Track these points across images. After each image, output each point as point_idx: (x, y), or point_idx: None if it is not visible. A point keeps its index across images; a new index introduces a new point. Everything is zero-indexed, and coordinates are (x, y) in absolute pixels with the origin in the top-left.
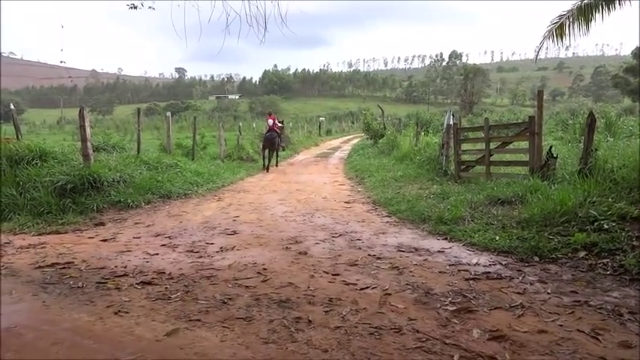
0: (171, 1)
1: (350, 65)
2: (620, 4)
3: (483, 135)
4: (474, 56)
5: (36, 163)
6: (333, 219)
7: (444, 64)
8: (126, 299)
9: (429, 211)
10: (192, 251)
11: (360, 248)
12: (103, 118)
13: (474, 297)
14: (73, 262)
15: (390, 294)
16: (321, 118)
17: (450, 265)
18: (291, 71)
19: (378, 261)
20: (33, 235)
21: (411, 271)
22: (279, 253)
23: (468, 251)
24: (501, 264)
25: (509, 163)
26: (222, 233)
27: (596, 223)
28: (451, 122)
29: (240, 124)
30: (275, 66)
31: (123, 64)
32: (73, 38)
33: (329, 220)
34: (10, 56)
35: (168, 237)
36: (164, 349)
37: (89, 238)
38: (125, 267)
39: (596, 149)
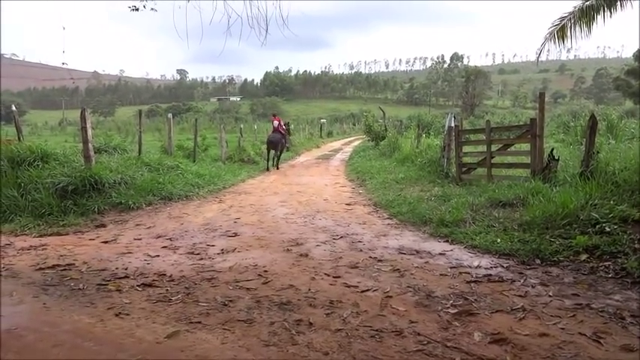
0: (172, 3)
1: (351, 67)
2: (621, 5)
3: (485, 137)
4: (476, 58)
5: (37, 165)
6: (334, 221)
7: (446, 66)
8: (127, 301)
9: (430, 213)
10: (193, 253)
11: (361, 250)
12: (105, 120)
13: (476, 300)
14: (73, 264)
15: (391, 296)
16: (322, 120)
17: (451, 268)
18: (293, 73)
19: (379, 263)
20: (34, 237)
21: (412, 274)
22: (280, 255)
23: (470, 254)
24: (503, 267)
25: (511, 165)
26: (223, 235)
27: (597, 226)
28: (452, 124)
29: (242, 125)
30: (276, 68)
31: (124, 66)
32: (74, 39)
33: (330, 222)
34: (13, 57)
35: (169, 239)
36: (165, 351)
37: (90, 239)
38: (126, 269)
39: (598, 152)
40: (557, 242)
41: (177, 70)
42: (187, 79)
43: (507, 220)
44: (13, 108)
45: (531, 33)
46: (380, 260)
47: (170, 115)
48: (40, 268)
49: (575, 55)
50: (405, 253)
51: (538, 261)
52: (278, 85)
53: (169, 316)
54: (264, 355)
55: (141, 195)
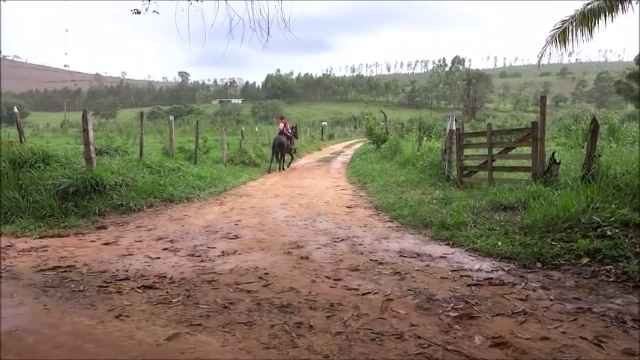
0: (175, 5)
1: (353, 70)
2: (623, 9)
3: (486, 140)
4: (477, 61)
5: (39, 166)
6: (335, 223)
7: (447, 69)
8: (127, 303)
9: (431, 216)
10: (193, 255)
11: (361, 253)
12: (107, 122)
13: (476, 303)
14: (74, 266)
15: (391, 299)
16: (323, 123)
17: (452, 271)
18: (294, 76)
19: (380, 266)
20: (35, 238)
21: (413, 277)
22: (280, 258)
23: (471, 257)
24: (504, 270)
25: (512, 168)
26: (224, 237)
27: (599, 230)
28: (454, 127)
29: (243, 128)
30: (278, 70)
31: (126, 68)
32: (77, 41)
33: (331, 225)
34: (15, 59)
35: (170, 241)
36: (165, 353)
37: (91, 241)
38: (127, 271)
39: (599, 155)
40: (559, 246)
41: (179, 72)
42: (189, 82)
43: (508, 223)
44: (15, 110)
45: (533, 36)
46: (381, 263)
47: (171, 118)
48: (41, 270)
49: (576, 59)
50: (405, 256)
51: (539, 264)
52: (279, 88)
53: (170, 318)
54: (264, 357)
55: (142, 197)
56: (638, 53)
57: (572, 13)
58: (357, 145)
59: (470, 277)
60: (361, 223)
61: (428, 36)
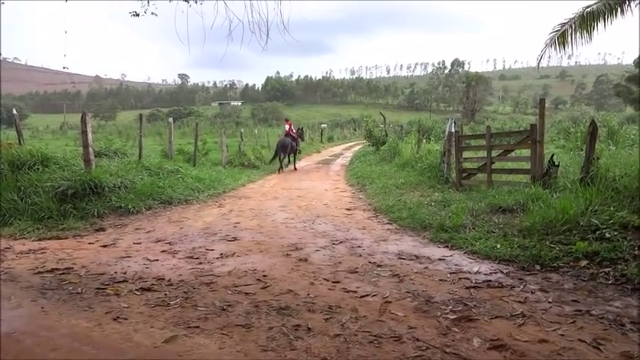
0: (175, 7)
1: (352, 72)
2: (622, 12)
3: (485, 143)
4: (476, 64)
5: (37, 168)
6: (334, 226)
7: (447, 71)
8: (125, 305)
9: (430, 218)
10: (192, 257)
11: (360, 255)
12: (106, 124)
13: (475, 305)
14: (72, 268)
15: (390, 302)
16: (323, 125)
17: (450, 273)
18: (294, 78)
19: (379, 268)
20: (33, 241)
21: (411, 279)
22: (279, 260)
23: (469, 259)
24: (502, 272)
25: (511, 171)
26: (223, 239)
27: (597, 232)
28: (452, 130)
29: (242, 130)
30: (277, 72)
31: (126, 70)
32: (77, 43)
33: (330, 227)
34: (15, 61)
35: (169, 243)
36: (162, 355)
37: (89, 243)
38: (125, 273)
39: (598, 158)
40: (557, 248)
41: (179, 74)
42: (189, 84)
43: (507, 225)
44: (14, 112)
45: (532, 39)
46: (379, 265)
47: (171, 120)
48: (39, 272)
49: (575, 62)
50: (404, 259)
51: (538, 267)
52: (279, 90)
53: (167, 321)
54: None
55: (141, 199)
56: (637, 56)
57: (571, 16)
58: (357, 148)
59: (468, 279)
60: (360, 226)
61: (427, 38)
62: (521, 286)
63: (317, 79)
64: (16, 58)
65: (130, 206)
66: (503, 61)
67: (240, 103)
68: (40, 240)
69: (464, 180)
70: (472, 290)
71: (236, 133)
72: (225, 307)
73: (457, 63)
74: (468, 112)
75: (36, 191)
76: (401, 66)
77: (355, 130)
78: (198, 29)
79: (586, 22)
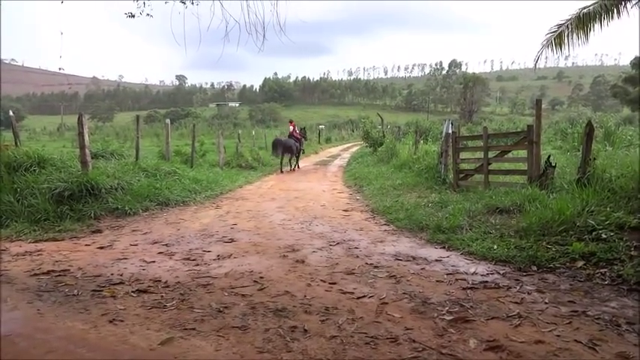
0: (171, 8)
1: (350, 73)
2: (618, 13)
3: (482, 144)
4: (474, 65)
5: (34, 170)
6: (331, 227)
7: (444, 72)
8: (121, 307)
9: (427, 219)
10: (189, 259)
11: (357, 257)
12: (104, 125)
13: (471, 306)
14: (68, 270)
15: (386, 303)
16: (320, 126)
17: (447, 274)
18: (292, 79)
19: (376, 270)
20: (29, 242)
21: (408, 280)
22: (276, 262)
23: (466, 260)
24: (499, 273)
25: (508, 171)
26: (220, 241)
27: (594, 233)
28: (450, 131)
29: (240, 131)
30: (275, 74)
31: (124, 71)
32: (74, 44)
33: (327, 228)
34: (12, 63)
35: (166, 245)
36: (158, 358)
37: (86, 245)
38: (121, 275)
39: (595, 158)
40: (554, 249)
41: (176, 75)
42: (186, 85)
43: (504, 226)
44: (11, 113)
45: (529, 40)
46: (376, 266)
47: (168, 121)
48: (35, 274)
49: (572, 63)
50: (401, 260)
51: (534, 268)
52: (277, 91)
53: (164, 323)
54: None
55: (137, 200)
56: (633, 57)
57: (568, 17)
58: (354, 149)
59: (465, 280)
60: (357, 227)
61: (425, 39)
62: (518, 287)
63: (315, 80)
64: (13, 59)
65: (126, 208)
66: (501, 62)
67: (237, 105)
68: (36, 242)
69: (461, 181)
70: (469, 291)
71: (234, 135)
72: (221, 309)
73: (454, 64)
74: (466, 113)
75: (32, 193)
76: (398, 67)
77: (353, 131)
78: (195, 30)
79: (582, 23)
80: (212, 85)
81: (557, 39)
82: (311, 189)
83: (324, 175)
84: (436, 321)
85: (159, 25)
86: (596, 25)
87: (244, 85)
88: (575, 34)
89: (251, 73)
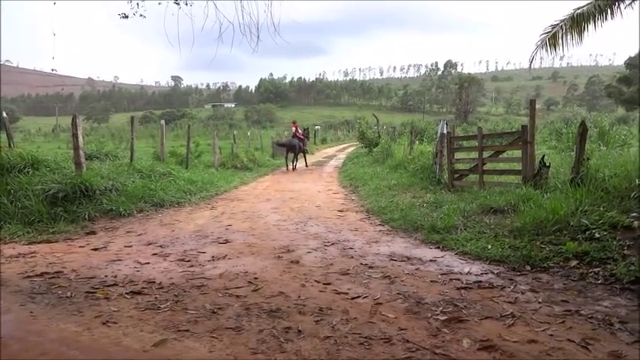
0: (165, 10)
1: (346, 74)
2: (612, 14)
3: (477, 144)
4: (469, 65)
5: (28, 172)
6: (326, 227)
7: (440, 73)
8: (114, 309)
9: (422, 219)
10: (183, 260)
11: (352, 257)
12: (99, 127)
13: (465, 306)
14: (62, 272)
15: (381, 303)
16: (316, 127)
17: (441, 274)
18: (288, 80)
19: (370, 270)
20: (23, 244)
21: (402, 280)
22: (270, 262)
23: (460, 260)
24: (493, 273)
25: (503, 171)
26: (215, 242)
27: (587, 232)
28: (444, 131)
29: (235, 132)
30: (271, 74)
31: (119, 72)
32: (69, 46)
33: (322, 229)
34: (6, 64)
35: (160, 246)
36: (151, 359)
37: (80, 247)
38: (115, 276)
39: (588, 158)
40: (548, 248)
41: (172, 76)
42: (182, 86)
43: (498, 226)
44: (4, 114)
45: (524, 40)
46: (371, 267)
47: (162, 122)
48: (28, 276)
49: (567, 63)
50: (396, 260)
51: (528, 267)
52: (272, 92)
53: (157, 324)
54: None
55: (132, 202)
56: (628, 57)
57: (562, 17)
58: (350, 149)
59: (459, 280)
60: (352, 227)
61: (420, 40)
62: (512, 287)
63: (310, 80)
64: (7, 60)
65: (121, 209)
66: (496, 63)
67: (233, 105)
68: (30, 244)
69: (456, 181)
70: (463, 291)
71: (229, 135)
72: (215, 310)
73: (450, 64)
74: (461, 113)
75: (26, 194)
76: (394, 67)
77: (349, 131)
78: (190, 31)
79: (576, 23)
80: (208, 85)
81: (552, 39)
82: (306, 190)
83: (320, 176)
84: (430, 321)
85: (154, 26)
86: (590, 26)
87: (240, 86)
88: (569, 35)
89: (247, 73)
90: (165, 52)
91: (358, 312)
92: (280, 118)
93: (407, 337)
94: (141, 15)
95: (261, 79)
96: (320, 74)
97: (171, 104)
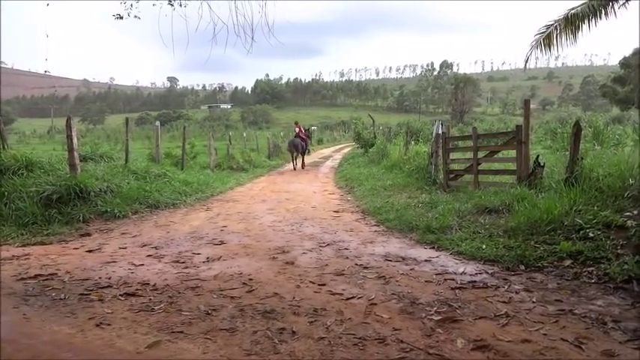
0: (158, 11)
1: (342, 74)
2: (606, 14)
3: (472, 144)
4: (465, 66)
5: (22, 173)
6: (322, 228)
7: (435, 73)
8: (108, 311)
9: (417, 220)
10: (178, 262)
11: (347, 258)
12: (94, 128)
13: (460, 306)
14: (56, 274)
15: (375, 304)
16: (312, 127)
17: (436, 275)
18: (284, 80)
19: (365, 270)
20: (17, 246)
21: (397, 281)
22: (265, 263)
23: (455, 260)
24: (487, 273)
25: (497, 171)
26: (210, 243)
27: (581, 232)
28: (440, 131)
29: (231, 133)
30: (267, 75)
31: (115, 74)
32: (65, 47)
33: (317, 230)
34: (2, 65)
35: (155, 247)
36: None
37: (74, 248)
38: (109, 278)
39: (583, 158)
40: (542, 248)
41: (168, 77)
42: (178, 87)
43: (493, 226)
44: None
45: (520, 40)
46: (366, 267)
47: (157, 123)
48: (22, 279)
49: (562, 63)
50: (390, 260)
51: (522, 267)
52: (269, 93)
53: (151, 326)
54: None
55: (127, 203)
56: (622, 57)
57: (557, 18)
58: (346, 150)
59: (454, 280)
60: (347, 228)
61: (416, 40)
62: (506, 287)
63: (306, 81)
64: (2, 61)
65: (116, 211)
66: (491, 63)
67: (229, 106)
68: (24, 246)
69: (451, 181)
70: (457, 291)
71: (225, 137)
72: (209, 312)
73: (446, 65)
74: (457, 113)
75: (20, 196)
76: (390, 68)
77: (345, 132)
78: (185, 32)
79: (571, 23)
80: (204, 87)
81: (546, 40)
82: (302, 190)
83: (316, 177)
84: (424, 321)
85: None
86: (584, 26)
87: (236, 87)
88: (563, 35)
89: (243, 74)
90: (161, 53)
91: (353, 312)
92: (276, 119)
93: (401, 337)
94: (135, 16)
95: (257, 79)
96: (316, 75)
97: (167, 105)
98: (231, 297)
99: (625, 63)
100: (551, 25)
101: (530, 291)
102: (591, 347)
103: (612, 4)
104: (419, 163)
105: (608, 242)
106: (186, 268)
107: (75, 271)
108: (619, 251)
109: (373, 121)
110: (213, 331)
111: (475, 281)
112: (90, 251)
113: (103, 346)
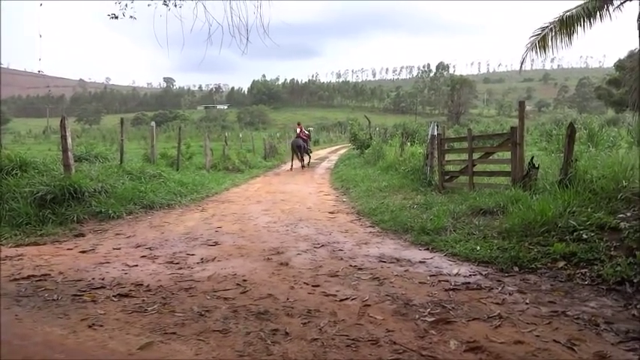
0: (153, 11)
1: (339, 75)
2: (600, 17)
3: (467, 145)
4: (461, 67)
5: (16, 174)
6: (317, 229)
7: (432, 74)
8: (101, 312)
9: (412, 221)
10: (172, 262)
11: (341, 259)
12: (90, 128)
13: (453, 308)
14: (49, 275)
15: (369, 305)
16: (309, 128)
17: (430, 276)
18: (280, 81)
19: (359, 272)
20: (10, 247)
21: (391, 282)
22: (260, 264)
23: (449, 261)
24: (481, 274)
25: (492, 173)
26: (204, 244)
27: (575, 233)
28: (435, 133)
29: (227, 134)
30: (264, 76)
31: (111, 74)
32: (61, 47)
33: (312, 231)
34: (1, 66)
35: (149, 248)
36: None
37: (68, 249)
38: (103, 279)
39: (577, 160)
40: (536, 250)
41: (164, 78)
42: (174, 88)
43: (487, 227)
44: None
45: (516, 42)
46: (360, 269)
47: (153, 124)
48: (15, 279)
49: (558, 65)
50: (385, 262)
51: (516, 268)
52: (265, 94)
53: (144, 327)
54: None
55: (121, 204)
56: (617, 59)
57: (552, 20)
58: (342, 151)
59: (448, 281)
60: (342, 229)
61: (413, 42)
62: (500, 288)
63: (303, 82)
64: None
65: (110, 211)
66: (488, 65)
67: (226, 107)
68: (17, 246)
69: (446, 182)
70: (451, 292)
71: (221, 137)
72: (203, 313)
73: (442, 66)
74: (453, 114)
75: (14, 197)
76: (387, 69)
77: (342, 133)
78: (180, 33)
79: (566, 26)
80: (200, 87)
81: (542, 42)
82: (298, 191)
83: (312, 178)
84: (417, 323)
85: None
86: (580, 28)
87: (233, 88)
88: (558, 37)
89: (239, 75)
90: (157, 53)
91: (346, 314)
92: (273, 120)
93: (394, 338)
94: (131, 16)
95: (253, 80)
96: (313, 76)
97: (163, 106)
98: (225, 298)
99: (620, 65)
100: (546, 27)
101: (523, 292)
102: (584, 349)
103: (607, 7)
104: (414, 165)
105: (602, 244)
106: (180, 269)
107: (68, 271)
108: (612, 253)
109: (369, 122)
110: (206, 333)
111: (469, 283)
112: (83, 252)
113: (95, 348)
